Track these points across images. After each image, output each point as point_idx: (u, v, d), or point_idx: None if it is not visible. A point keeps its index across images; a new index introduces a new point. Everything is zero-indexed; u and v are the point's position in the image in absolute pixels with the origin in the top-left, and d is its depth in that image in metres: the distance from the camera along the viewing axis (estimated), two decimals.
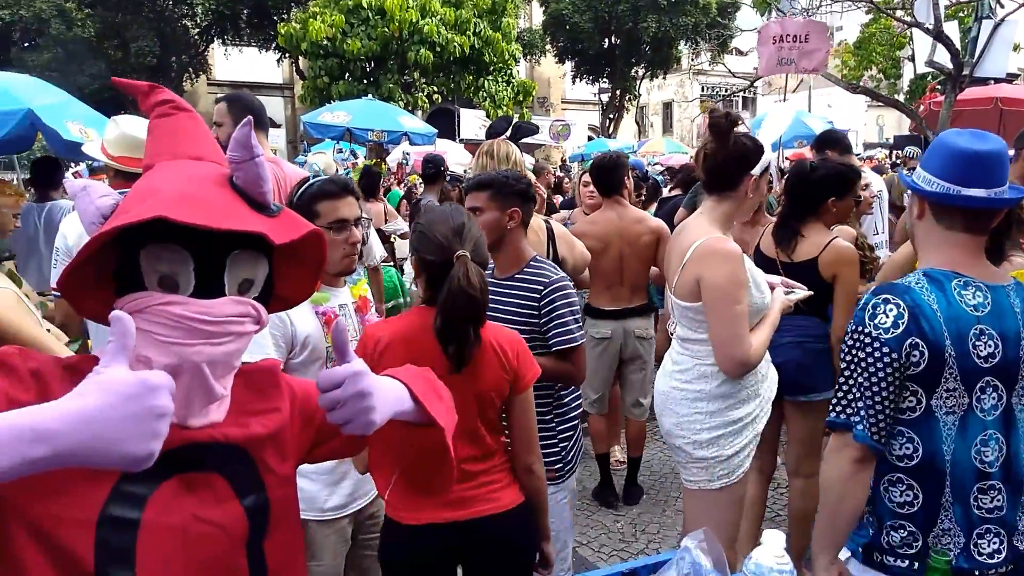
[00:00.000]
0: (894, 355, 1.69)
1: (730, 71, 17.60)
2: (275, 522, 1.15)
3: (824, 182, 3.20)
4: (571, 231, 4.02)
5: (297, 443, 1.21)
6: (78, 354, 1.03)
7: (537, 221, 3.11)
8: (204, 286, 1.03)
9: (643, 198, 6.30)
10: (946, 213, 1.78)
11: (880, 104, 14.94)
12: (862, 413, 1.75)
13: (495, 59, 19.27)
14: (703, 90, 32.41)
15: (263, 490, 1.13)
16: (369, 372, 1.07)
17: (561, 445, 2.59)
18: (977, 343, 1.71)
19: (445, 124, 17.28)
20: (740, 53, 27.77)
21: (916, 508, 1.78)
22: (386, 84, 18.00)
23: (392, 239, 6.23)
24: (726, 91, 27.33)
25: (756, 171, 2.46)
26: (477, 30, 18.55)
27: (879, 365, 1.71)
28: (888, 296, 1.74)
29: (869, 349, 1.72)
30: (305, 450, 1.24)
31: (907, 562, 1.80)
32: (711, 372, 2.51)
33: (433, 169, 6.11)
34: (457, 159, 12.80)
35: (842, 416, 1.79)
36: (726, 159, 2.45)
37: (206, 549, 1.06)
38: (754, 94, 25.84)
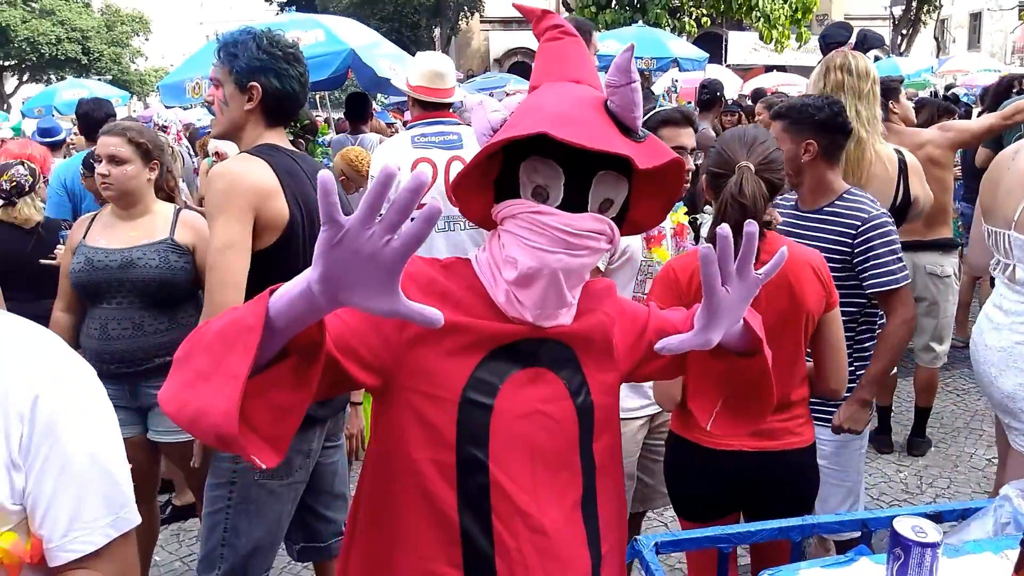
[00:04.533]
0: None
1: None
2: (600, 426, 1.24)
3: None
4: None
5: (624, 358, 1.29)
6: None
7: (887, 151, 2.85)
8: (570, 200, 1.11)
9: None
10: None
11: None
12: None
13: None
14: None
15: (588, 393, 1.23)
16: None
17: None
18: None
19: (711, 49, 16.55)
20: None
21: None
22: (653, 10, 17.54)
23: None
24: None
25: None
26: None
27: None
28: None
29: None
30: (630, 367, 1.31)
31: None
32: None
33: (709, 95, 5.89)
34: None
35: None
36: None
37: (546, 440, 1.17)
38: None
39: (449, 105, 3.30)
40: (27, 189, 3.29)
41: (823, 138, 2.37)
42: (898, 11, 25.20)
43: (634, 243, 2.30)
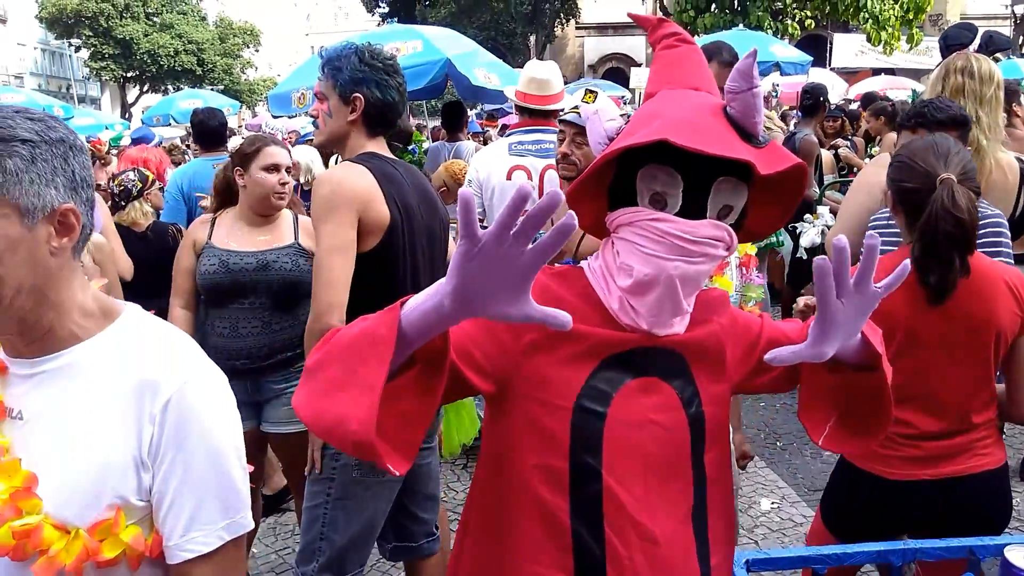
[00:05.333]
0: None
1: None
2: (711, 436, 1.22)
3: None
4: None
5: (735, 369, 1.27)
6: None
7: (1008, 159, 2.71)
8: (689, 207, 1.11)
9: None
10: None
11: None
12: None
13: None
14: None
15: (700, 403, 1.21)
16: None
17: None
18: None
19: (815, 52, 16.00)
20: None
21: None
22: (754, 12, 17.10)
23: None
24: None
25: None
26: None
27: None
28: None
29: None
30: (742, 378, 1.29)
31: None
32: None
33: (811, 100, 5.66)
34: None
35: None
36: None
37: (658, 450, 1.17)
38: None
39: (554, 113, 3.32)
40: (135, 194, 3.54)
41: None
42: (1020, 9, 23.71)
43: None
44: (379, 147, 2.21)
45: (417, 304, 0.94)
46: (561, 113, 2.34)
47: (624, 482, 1.15)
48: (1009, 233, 2.21)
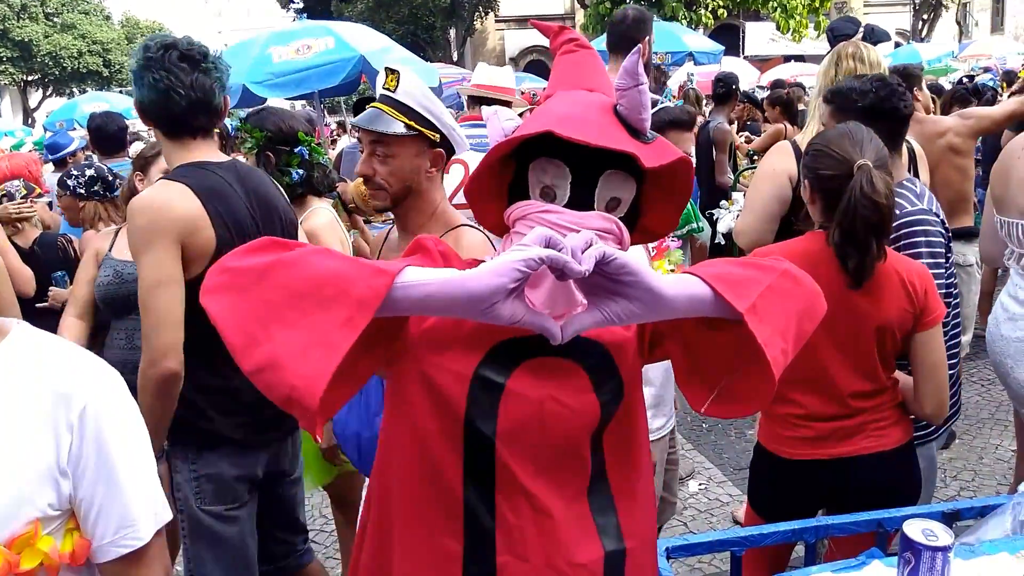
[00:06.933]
0: None
1: None
2: (620, 419, 1.22)
3: None
4: None
5: (640, 349, 1.26)
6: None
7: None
8: (577, 199, 1.14)
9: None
10: None
11: None
12: None
13: None
14: None
15: (617, 388, 1.21)
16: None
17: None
18: None
19: (728, 41, 16.45)
20: None
21: None
22: (669, 3, 17.47)
23: None
24: None
25: None
26: None
27: None
28: None
29: None
30: (646, 356, 1.28)
31: None
32: None
33: (724, 88, 5.82)
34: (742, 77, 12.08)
35: None
36: None
37: (557, 428, 1.17)
38: None
39: (500, 103, 3.38)
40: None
41: (871, 126, 2.03)
42: None
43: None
44: (201, 152, 1.98)
45: (423, 284, 0.97)
46: (352, 118, 2.26)
47: (516, 453, 1.16)
48: (934, 229, 2.11)
